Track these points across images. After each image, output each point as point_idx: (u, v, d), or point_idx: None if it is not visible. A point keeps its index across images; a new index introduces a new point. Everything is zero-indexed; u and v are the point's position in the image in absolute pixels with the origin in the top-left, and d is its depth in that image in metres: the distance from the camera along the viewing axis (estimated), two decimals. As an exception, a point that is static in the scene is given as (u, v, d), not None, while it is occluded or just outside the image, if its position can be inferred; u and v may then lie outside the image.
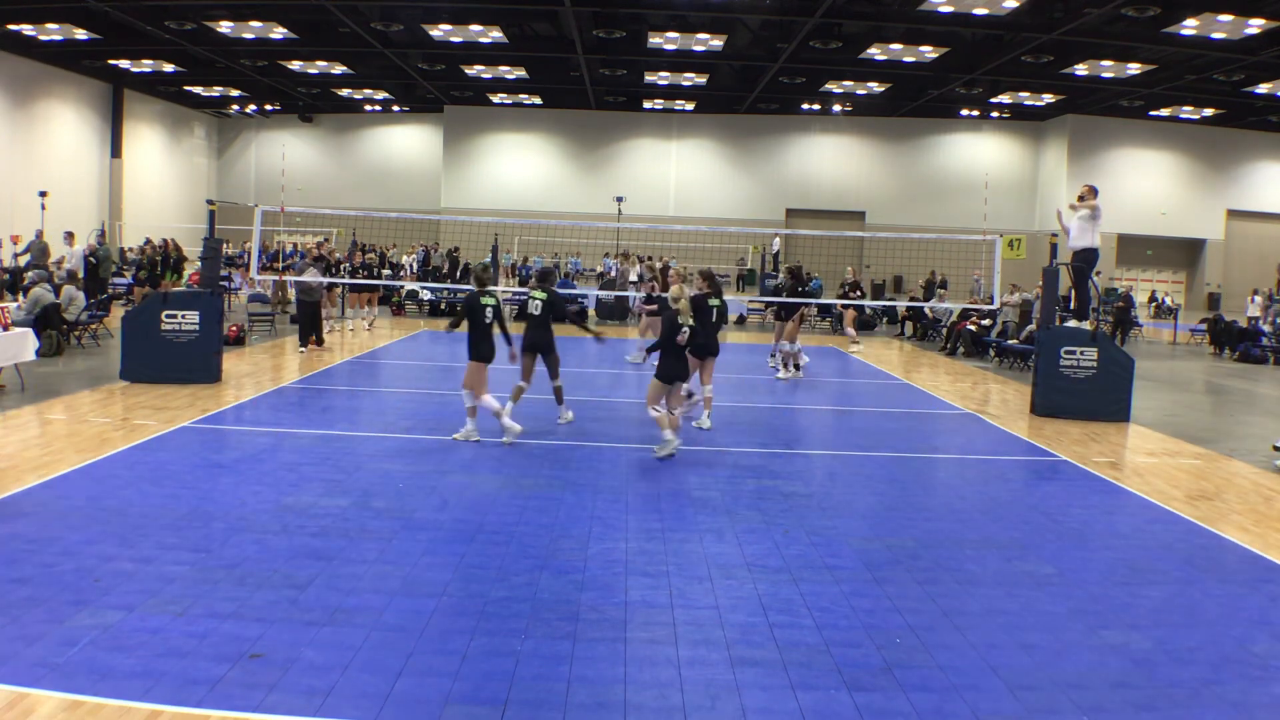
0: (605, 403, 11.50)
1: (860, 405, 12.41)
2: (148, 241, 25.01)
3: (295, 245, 31.28)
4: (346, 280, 18.40)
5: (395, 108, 38.54)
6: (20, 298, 15.19)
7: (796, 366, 14.19)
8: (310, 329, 15.09)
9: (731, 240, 33.59)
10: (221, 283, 13.53)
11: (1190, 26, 21.82)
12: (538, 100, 36.48)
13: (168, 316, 11.31)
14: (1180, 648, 4.73)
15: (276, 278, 15.01)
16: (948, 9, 21.96)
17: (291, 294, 17.60)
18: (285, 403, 10.72)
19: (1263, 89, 27.79)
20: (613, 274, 26.48)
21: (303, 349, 14.85)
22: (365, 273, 20.57)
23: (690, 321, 8.48)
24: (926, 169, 37.04)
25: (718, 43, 26.11)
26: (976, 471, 8.76)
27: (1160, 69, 26.34)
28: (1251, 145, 35.20)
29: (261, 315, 17.81)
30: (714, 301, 10.05)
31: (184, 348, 11.33)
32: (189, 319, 11.37)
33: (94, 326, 15.08)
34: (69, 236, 20.01)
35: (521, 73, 31.22)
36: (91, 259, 19.41)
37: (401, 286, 24.21)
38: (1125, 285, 29.98)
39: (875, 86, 31.15)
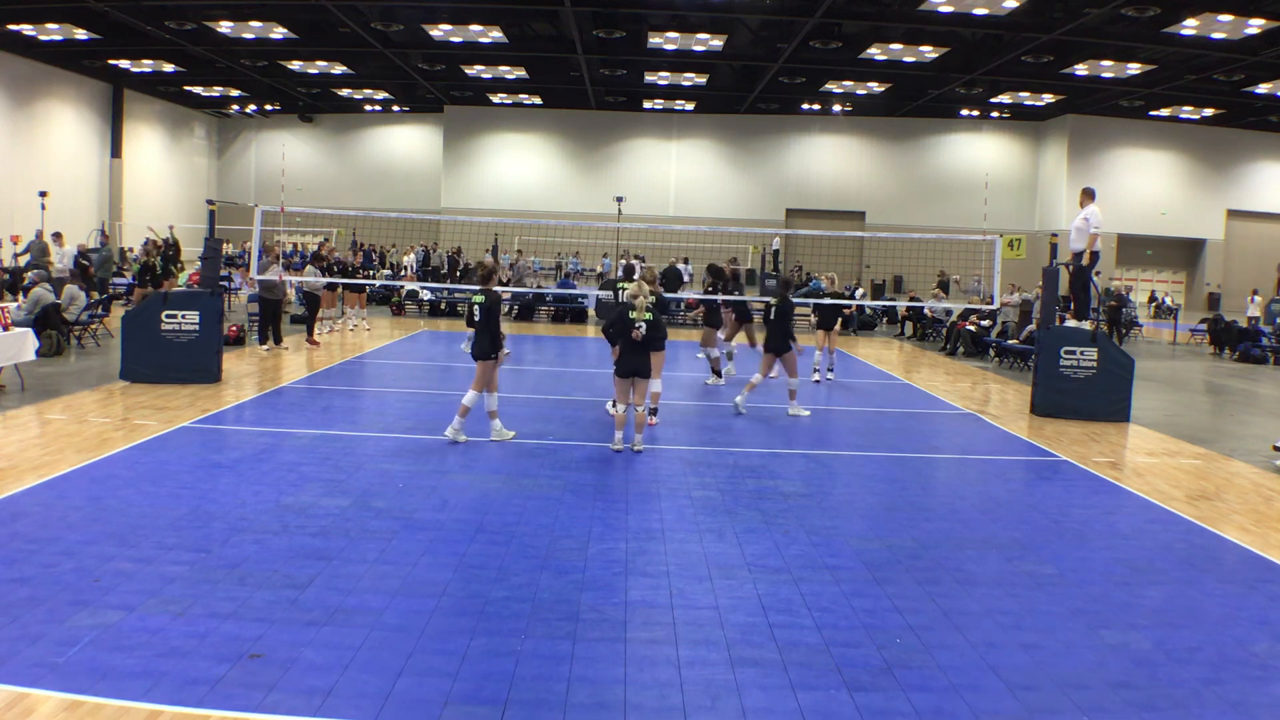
0: (604, 402, 11.48)
1: (860, 405, 12.41)
2: (148, 241, 24.99)
3: (296, 245, 31.26)
4: (343, 280, 18.40)
5: (395, 108, 38.53)
6: (20, 298, 15.19)
7: (717, 372, 13.50)
8: (269, 327, 14.97)
9: (732, 240, 33.59)
10: (221, 283, 13.53)
11: (1190, 26, 21.82)
12: (538, 100, 36.46)
13: (168, 316, 11.32)
14: (1180, 648, 4.73)
15: (277, 278, 15.00)
16: (948, 9, 21.96)
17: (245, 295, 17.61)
18: (285, 403, 10.71)
19: (1263, 89, 27.79)
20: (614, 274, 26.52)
21: (265, 348, 14.76)
22: (361, 273, 20.55)
23: (646, 317, 8.65)
24: (926, 169, 37.03)
25: (718, 43, 26.10)
26: (976, 471, 8.76)
27: (1160, 69, 26.33)
28: (1251, 145, 35.20)
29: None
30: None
31: (184, 348, 11.34)
32: (189, 319, 11.38)
33: (94, 326, 15.08)
34: (57, 237, 20.00)
35: (521, 73, 31.21)
36: (84, 260, 19.39)
37: (401, 286, 24.22)
38: (1121, 285, 29.93)
39: (875, 86, 31.14)
